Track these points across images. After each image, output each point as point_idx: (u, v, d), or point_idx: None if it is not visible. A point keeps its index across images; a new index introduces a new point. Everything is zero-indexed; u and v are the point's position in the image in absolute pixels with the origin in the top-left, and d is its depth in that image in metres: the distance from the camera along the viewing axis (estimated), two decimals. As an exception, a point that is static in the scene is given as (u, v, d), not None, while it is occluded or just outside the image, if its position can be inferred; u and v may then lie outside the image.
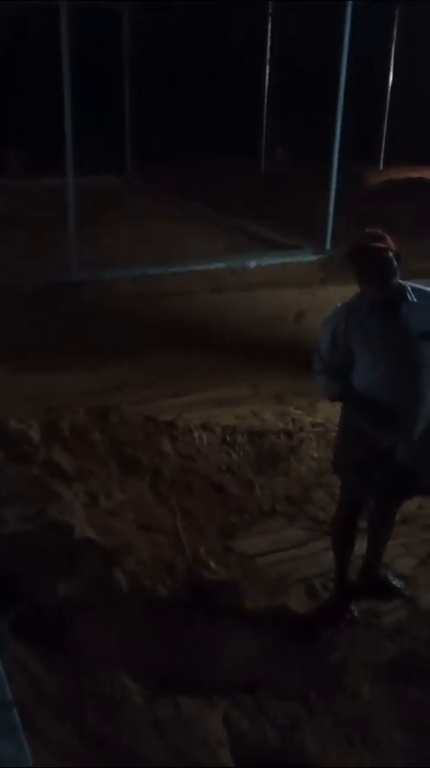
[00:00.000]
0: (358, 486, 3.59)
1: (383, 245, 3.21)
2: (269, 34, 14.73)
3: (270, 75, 14.84)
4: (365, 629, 3.63)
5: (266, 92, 14.89)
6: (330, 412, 5.22)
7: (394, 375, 3.27)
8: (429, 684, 3.29)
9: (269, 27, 14.73)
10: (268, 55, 14.77)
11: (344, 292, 3.51)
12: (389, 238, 3.26)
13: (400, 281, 3.29)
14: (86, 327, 7.07)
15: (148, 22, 13.78)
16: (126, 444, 4.71)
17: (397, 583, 3.93)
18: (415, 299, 3.28)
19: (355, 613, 3.70)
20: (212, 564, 3.96)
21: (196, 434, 5.04)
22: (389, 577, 3.94)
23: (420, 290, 3.33)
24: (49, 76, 8.43)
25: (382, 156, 15.82)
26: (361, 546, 3.86)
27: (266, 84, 14.86)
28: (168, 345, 6.71)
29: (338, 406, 3.64)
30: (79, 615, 3.16)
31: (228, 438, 5.10)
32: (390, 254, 3.22)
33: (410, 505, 4.36)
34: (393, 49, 15.40)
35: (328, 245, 9.90)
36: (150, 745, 2.63)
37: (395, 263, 3.23)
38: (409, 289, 3.30)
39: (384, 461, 3.38)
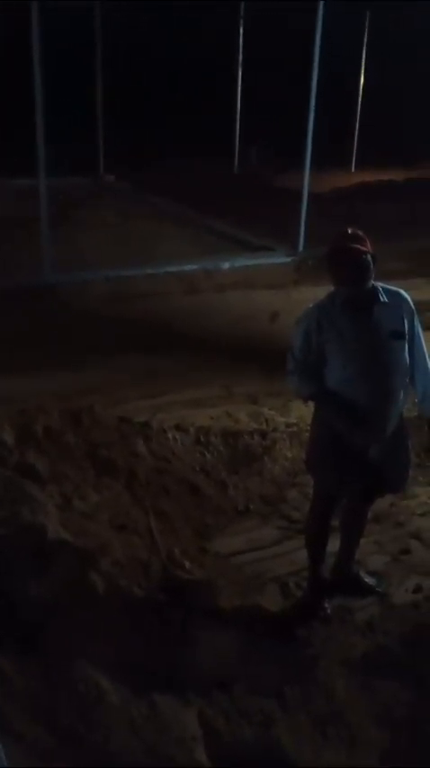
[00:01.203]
0: (332, 484, 3.62)
1: (363, 248, 3.25)
2: (241, 36, 14.79)
3: (243, 77, 14.90)
4: (339, 625, 3.67)
5: (239, 94, 14.95)
6: (303, 412, 5.26)
7: (365, 374, 3.31)
8: (402, 679, 3.34)
9: (241, 29, 14.78)
10: (240, 56, 14.82)
11: (318, 293, 3.54)
12: (367, 239, 3.30)
13: (372, 281, 3.34)
14: (60, 329, 7.04)
15: (121, 22, 13.76)
16: (100, 446, 4.70)
17: (369, 580, 3.97)
18: (386, 300, 3.33)
19: (329, 610, 3.74)
20: (187, 564, 3.97)
21: (170, 435, 5.05)
22: (362, 574, 3.99)
23: (390, 290, 3.38)
24: (20, 77, 8.39)
25: (354, 158, 15.97)
26: (334, 544, 3.89)
27: (239, 85, 14.91)
28: (142, 347, 6.71)
29: (311, 406, 3.67)
30: (54, 616, 3.16)
31: (202, 439, 5.12)
32: (369, 257, 3.26)
33: (382, 504, 4.41)
34: (364, 52, 15.56)
35: (301, 247, 9.96)
36: (126, 743, 2.64)
37: (372, 264, 3.28)
38: (381, 289, 3.34)
39: (357, 459, 3.42)
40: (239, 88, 14.91)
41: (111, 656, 3.00)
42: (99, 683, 2.83)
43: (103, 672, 2.90)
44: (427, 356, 3.47)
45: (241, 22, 14.75)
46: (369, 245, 3.28)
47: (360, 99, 15.73)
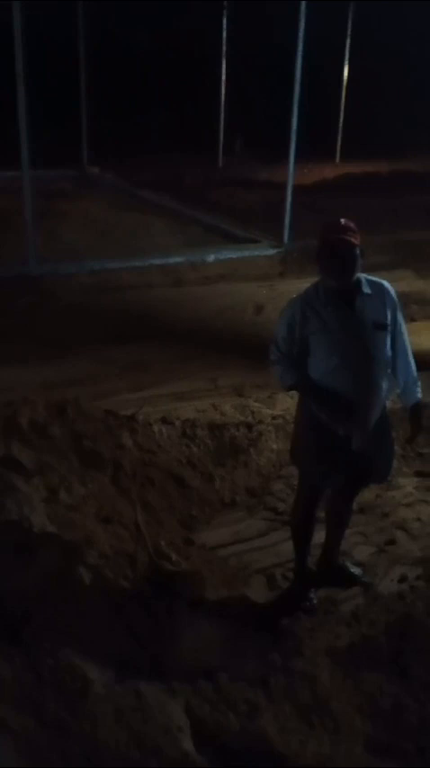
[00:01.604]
0: (316, 474, 3.64)
1: (354, 240, 3.25)
2: (224, 28, 14.76)
3: (227, 69, 14.87)
4: (324, 616, 3.69)
5: (224, 86, 14.92)
6: (289, 404, 5.28)
7: (348, 365, 3.33)
8: (386, 669, 3.36)
9: (224, 21, 14.75)
10: (224, 49, 14.79)
11: (302, 285, 3.55)
12: (357, 231, 3.30)
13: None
14: (45, 321, 7.03)
15: (105, 16, 13.70)
16: (86, 438, 4.68)
17: (355, 570, 4.00)
18: (369, 291, 3.35)
19: (314, 601, 3.76)
20: (173, 556, 3.98)
21: (156, 428, 5.05)
22: (348, 565, 4.01)
23: (374, 281, 3.40)
24: (4, 71, 8.33)
25: (339, 150, 16.00)
26: (319, 535, 3.92)
27: (223, 78, 14.89)
28: (127, 339, 6.71)
29: (297, 398, 3.69)
30: (40, 608, 3.16)
31: (188, 431, 5.12)
32: (358, 250, 3.26)
33: (368, 495, 4.44)
34: (348, 44, 15.57)
35: (286, 239, 9.98)
36: (112, 733, 2.65)
37: (360, 258, 3.29)
38: (364, 281, 3.36)
39: (341, 450, 3.44)
40: (224, 81, 14.89)
41: (98, 647, 3.01)
42: (85, 673, 2.84)
43: (90, 663, 2.91)
44: (409, 347, 3.49)
45: (224, 12, 14.71)
46: (359, 237, 3.28)
47: (343, 91, 15.74)
